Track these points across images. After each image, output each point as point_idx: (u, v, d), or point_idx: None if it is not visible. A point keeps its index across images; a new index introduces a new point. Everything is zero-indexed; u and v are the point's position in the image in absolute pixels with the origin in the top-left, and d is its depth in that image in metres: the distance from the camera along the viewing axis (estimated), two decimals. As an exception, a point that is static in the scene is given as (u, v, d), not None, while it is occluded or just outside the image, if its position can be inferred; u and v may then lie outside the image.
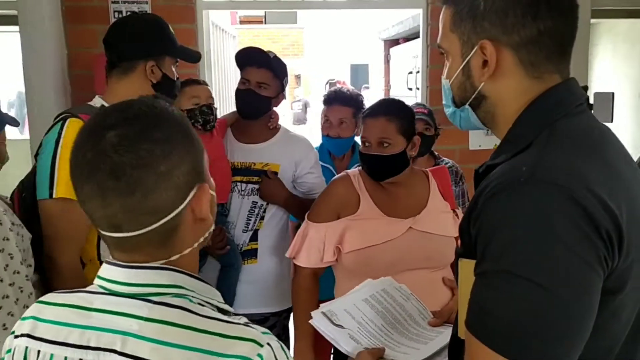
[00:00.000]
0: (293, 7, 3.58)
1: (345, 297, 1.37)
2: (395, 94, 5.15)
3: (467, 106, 0.99)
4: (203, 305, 0.86)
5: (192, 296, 0.86)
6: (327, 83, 5.28)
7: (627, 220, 0.82)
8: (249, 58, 2.16)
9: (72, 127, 1.59)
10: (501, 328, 0.79)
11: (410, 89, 4.28)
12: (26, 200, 1.69)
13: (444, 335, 1.23)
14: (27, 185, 1.71)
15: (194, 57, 1.95)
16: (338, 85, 4.02)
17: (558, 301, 0.77)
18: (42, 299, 0.92)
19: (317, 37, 16.53)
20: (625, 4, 3.80)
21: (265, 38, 17.14)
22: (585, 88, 1.74)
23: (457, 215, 1.83)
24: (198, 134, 0.91)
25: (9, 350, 0.90)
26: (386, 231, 1.74)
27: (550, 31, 0.92)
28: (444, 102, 1.07)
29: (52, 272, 1.62)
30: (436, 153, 2.64)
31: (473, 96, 0.98)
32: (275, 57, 2.17)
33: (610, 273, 0.81)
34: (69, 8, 2.89)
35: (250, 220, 2.18)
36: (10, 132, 2.33)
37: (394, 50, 5.58)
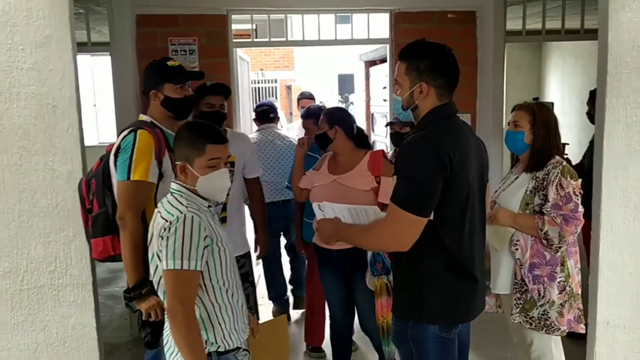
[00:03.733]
0: (297, 45, 4.83)
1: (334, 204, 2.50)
2: (373, 103, 6.41)
3: (409, 110, 2.15)
4: (183, 199, 2.00)
5: (182, 195, 2.02)
6: (299, 98, 6.05)
7: (457, 160, 1.98)
8: (213, 89, 3.15)
9: (142, 134, 2.44)
10: (403, 197, 1.96)
11: (385, 100, 5.51)
12: (90, 184, 2.51)
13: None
14: (96, 174, 2.53)
15: (188, 78, 2.63)
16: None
17: (424, 188, 1.95)
18: None
19: (307, 50, 17.54)
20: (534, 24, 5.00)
21: (257, 51, 17.99)
22: (536, 99, 2.81)
23: (379, 179, 2.96)
24: None
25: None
26: (322, 180, 3.05)
27: (449, 82, 2.12)
28: (395, 108, 2.22)
29: (121, 226, 2.39)
30: None
31: (413, 106, 2.13)
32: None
33: (446, 179, 1.97)
34: (142, 49, 4.10)
35: None
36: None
37: (372, 69, 6.83)
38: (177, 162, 2.06)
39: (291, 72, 18.51)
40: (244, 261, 3.20)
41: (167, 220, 1.89)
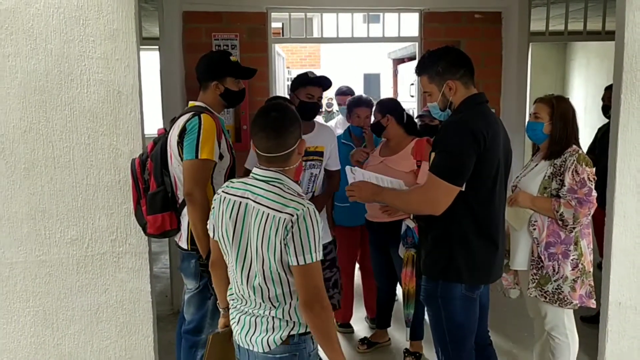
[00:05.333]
0: (331, 42, 5.10)
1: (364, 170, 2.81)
2: (401, 99, 6.65)
3: (448, 109, 2.42)
4: (289, 187, 1.93)
5: (284, 184, 1.93)
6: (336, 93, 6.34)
7: (490, 138, 2.24)
8: (315, 81, 3.22)
9: (206, 118, 2.58)
10: (440, 168, 2.23)
11: (412, 96, 5.75)
12: (144, 163, 2.71)
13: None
14: (153, 155, 2.70)
15: (249, 75, 2.81)
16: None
17: (459, 160, 2.21)
18: (227, 182, 2.06)
19: (333, 49, 17.79)
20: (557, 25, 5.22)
21: (284, 49, 18.25)
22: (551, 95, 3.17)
23: (419, 164, 3.30)
24: None
25: (215, 199, 2.06)
26: (373, 161, 3.38)
27: (467, 71, 2.39)
28: (433, 113, 2.51)
29: (190, 201, 2.52)
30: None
31: (448, 104, 2.40)
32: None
33: (479, 154, 2.22)
34: (187, 44, 4.41)
35: (309, 185, 3.19)
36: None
37: (400, 67, 7.08)
38: (294, 147, 1.97)
39: (317, 71, 18.63)
40: (330, 247, 3.27)
41: (291, 215, 1.83)
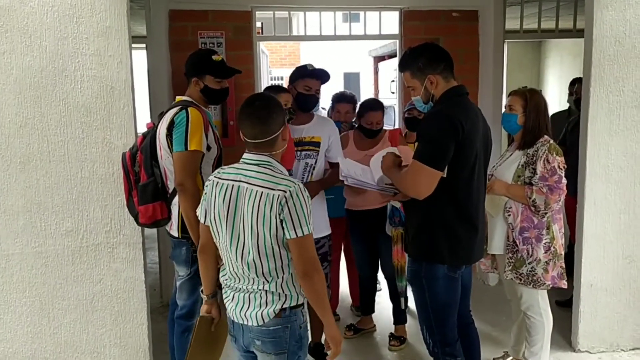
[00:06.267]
0: (314, 40, 5.20)
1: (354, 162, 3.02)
2: (382, 96, 6.83)
3: (430, 102, 2.55)
4: (278, 169, 2.09)
5: (274, 166, 2.09)
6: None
7: (468, 127, 2.38)
8: (314, 74, 3.25)
9: (193, 111, 2.67)
10: (424, 154, 2.38)
11: (393, 92, 5.91)
12: (135, 156, 2.79)
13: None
14: (143, 148, 2.77)
15: (229, 75, 2.90)
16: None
17: (440, 146, 2.36)
18: (218, 169, 2.19)
19: (313, 48, 17.88)
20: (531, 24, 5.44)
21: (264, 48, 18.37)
22: (525, 87, 3.34)
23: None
24: None
25: (207, 185, 2.18)
26: (355, 156, 3.46)
27: (447, 65, 2.53)
28: (417, 106, 2.65)
29: (182, 191, 2.64)
30: None
31: (430, 97, 2.53)
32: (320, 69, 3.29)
33: (457, 142, 2.36)
34: (173, 42, 4.50)
35: (304, 175, 3.20)
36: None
37: (381, 65, 7.24)
38: (277, 133, 2.12)
39: (299, 70, 18.75)
40: (324, 242, 3.28)
41: (284, 191, 2.00)
